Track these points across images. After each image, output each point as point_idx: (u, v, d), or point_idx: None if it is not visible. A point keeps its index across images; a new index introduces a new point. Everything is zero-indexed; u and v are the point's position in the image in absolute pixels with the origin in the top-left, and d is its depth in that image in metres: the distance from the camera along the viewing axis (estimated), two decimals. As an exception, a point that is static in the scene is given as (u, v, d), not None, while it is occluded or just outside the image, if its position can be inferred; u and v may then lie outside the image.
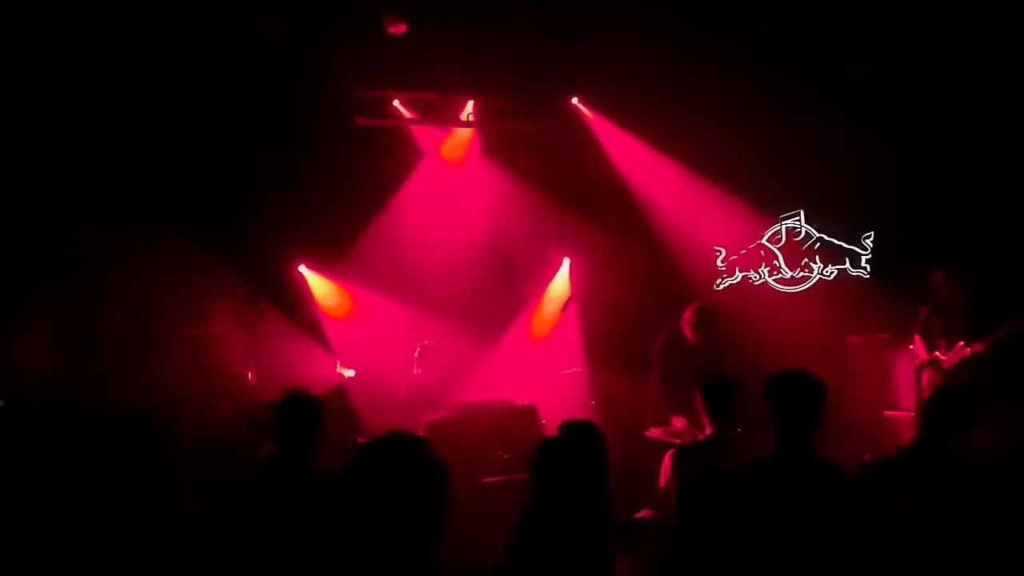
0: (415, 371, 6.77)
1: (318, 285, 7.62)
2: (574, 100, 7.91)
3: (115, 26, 6.11)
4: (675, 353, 6.14)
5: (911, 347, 6.57)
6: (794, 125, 7.26)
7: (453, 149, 7.96)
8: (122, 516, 3.32)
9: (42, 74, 6.08)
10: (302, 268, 7.55)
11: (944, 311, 6.33)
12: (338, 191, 7.34)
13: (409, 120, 7.78)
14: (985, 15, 6.53)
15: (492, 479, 5.45)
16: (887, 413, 6.81)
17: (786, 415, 3.17)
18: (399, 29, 6.87)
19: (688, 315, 6.17)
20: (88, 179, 6.23)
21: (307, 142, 7.29)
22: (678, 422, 5.82)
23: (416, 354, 6.79)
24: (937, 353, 6.30)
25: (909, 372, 6.62)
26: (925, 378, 6.32)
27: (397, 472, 2.38)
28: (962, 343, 6.18)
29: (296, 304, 7.39)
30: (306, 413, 3.63)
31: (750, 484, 3.17)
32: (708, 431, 4.15)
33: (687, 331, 6.16)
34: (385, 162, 7.61)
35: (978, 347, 6.11)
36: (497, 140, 7.90)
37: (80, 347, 6.00)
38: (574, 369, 7.50)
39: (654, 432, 5.90)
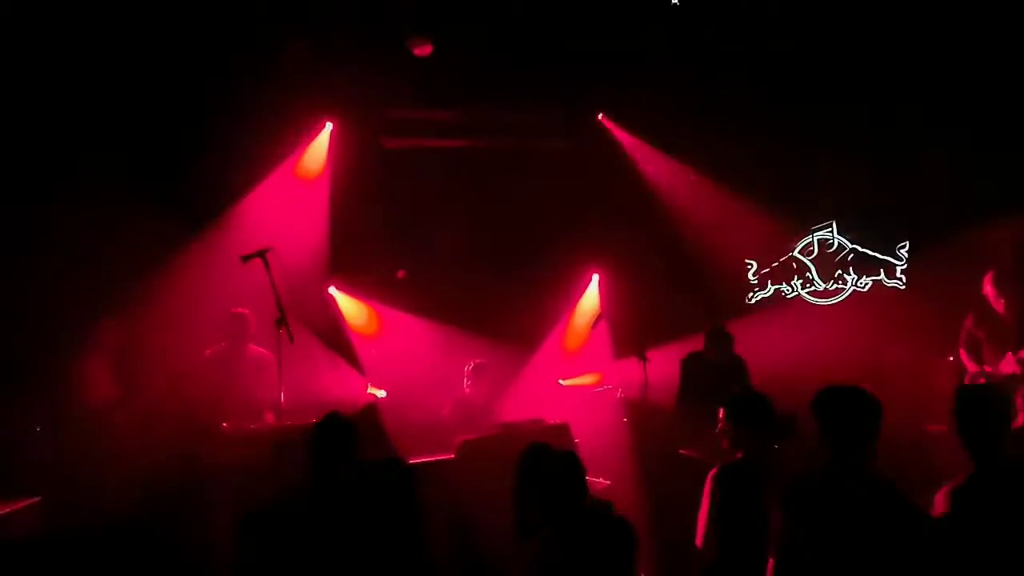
0: (466, 388, 6.76)
1: (348, 306, 7.64)
2: (600, 116, 7.90)
3: (134, 50, 6.24)
4: (696, 371, 6.25)
5: (951, 359, 6.41)
6: (823, 135, 7.19)
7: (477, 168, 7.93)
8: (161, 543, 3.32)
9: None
10: (332, 289, 7.59)
11: (990, 320, 6.10)
12: (367, 211, 7.38)
13: (436, 140, 7.80)
14: (1011, 21, 6.44)
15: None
16: (929, 427, 6.66)
17: (845, 430, 3.12)
18: (425, 51, 6.92)
19: (705, 334, 6.26)
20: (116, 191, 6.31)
21: (335, 163, 7.35)
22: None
23: (469, 371, 6.78)
24: (987, 367, 6.04)
25: (949, 384, 6.47)
26: None
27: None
28: (1010, 354, 5.91)
29: (326, 325, 7.42)
30: (341, 436, 3.62)
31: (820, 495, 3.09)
32: (741, 448, 4.03)
33: (706, 349, 6.25)
34: (411, 183, 7.63)
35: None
36: (524, 157, 7.90)
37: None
38: (607, 387, 7.44)
39: (687, 451, 5.85)
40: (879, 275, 7.62)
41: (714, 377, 6.07)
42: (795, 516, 3.04)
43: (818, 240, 7.76)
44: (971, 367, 6.16)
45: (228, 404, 5.83)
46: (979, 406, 3.24)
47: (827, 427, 3.14)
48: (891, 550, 2.94)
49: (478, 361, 6.79)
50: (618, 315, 7.85)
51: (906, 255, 7.54)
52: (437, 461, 5.41)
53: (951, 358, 6.42)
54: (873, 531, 2.97)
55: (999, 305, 6.07)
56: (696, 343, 6.44)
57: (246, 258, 5.56)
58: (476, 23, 6.75)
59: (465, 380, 6.75)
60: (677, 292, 7.55)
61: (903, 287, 7.54)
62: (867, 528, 2.97)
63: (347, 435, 3.63)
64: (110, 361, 6.07)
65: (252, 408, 5.87)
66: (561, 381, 7.59)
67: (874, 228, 7.62)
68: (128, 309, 6.27)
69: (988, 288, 6.11)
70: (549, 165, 7.77)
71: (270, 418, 5.77)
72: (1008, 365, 5.92)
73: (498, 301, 7.49)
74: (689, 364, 6.33)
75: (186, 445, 5.19)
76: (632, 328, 7.55)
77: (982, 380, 6.02)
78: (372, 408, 6.76)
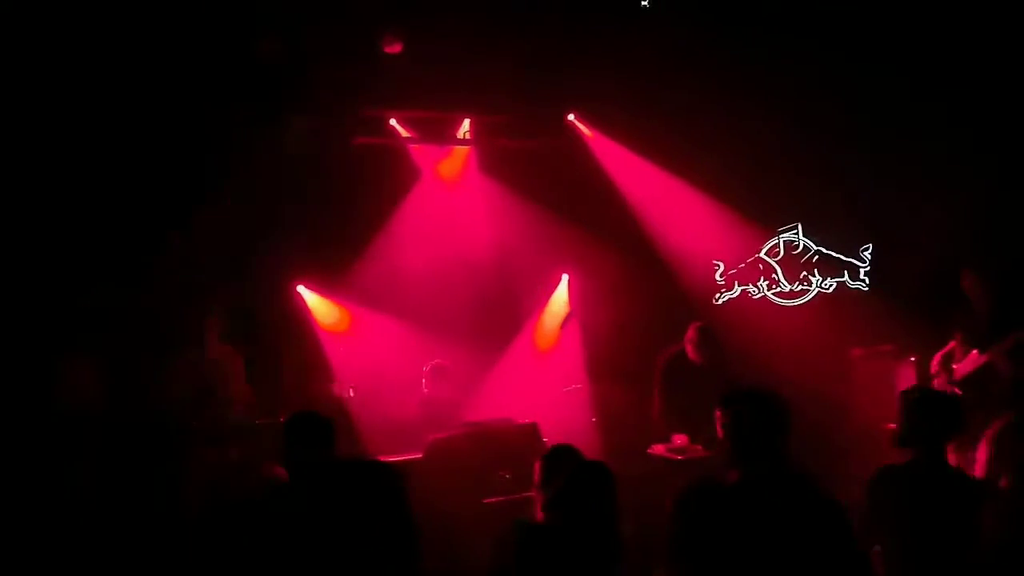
0: (424, 389, 6.74)
1: (316, 304, 7.59)
2: (571, 117, 7.93)
3: (117, 46, 6.13)
4: (677, 371, 6.10)
5: (913, 359, 6.52)
6: (791, 137, 7.29)
7: (450, 168, 7.97)
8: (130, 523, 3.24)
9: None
10: (300, 288, 7.53)
11: (969, 316, 5.98)
12: (336, 210, 7.35)
13: (407, 139, 7.79)
14: (984, 20, 6.57)
15: (494, 499, 5.41)
16: (891, 426, 6.77)
17: (758, 432, 3.07)
18: (395, 48, 6.90)
19: (690, 334, 6.11)
20: (90, 198, 6.20)
21: (306, 161, 7.30)
22: (679, 439, 5.82)
23: (427, 372, 6.77)
24: (955, 365, 5.95)
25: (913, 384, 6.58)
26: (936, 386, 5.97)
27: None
28: (976, 352, 5.84)
29: (294, 324, 7.37)
30: (318, 433, 3.55)
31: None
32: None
33: (689, 349, 6.11)
34: (383, 181, 7.61)
35: (991, 355, 5.75)
36: (495, 157, 7.91)
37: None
38: (576, 386, 7.48)
39: (656, 449, 5.90)
40: (843, 276, 7.75)
41: (700, 379, 5.90)
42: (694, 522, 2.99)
43: (784, 242, 7.87)
44: (933, 369, 6.12)
45: (198, 403, 5.79)
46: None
47: (741, 426, 3.09)
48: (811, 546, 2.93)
49: (436, 362, 6.79)
50: (587, 315, 7.89)
51: (869, 257, 7.67)
52: (405, 460, 5.41)
53: (912, 359, 6.54)
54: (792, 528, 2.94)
55: (975, 299, 5.98)
56: (664, 340, 6.43)
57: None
58: (447, 21, 6.75)
59: (423, 380, 6.74)
60: (647, 291, 7.60)
61: (866, 288, 7.67)
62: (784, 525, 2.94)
63: (324, 432, 3.57)
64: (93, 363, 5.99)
65: (223, 406, 5.83)
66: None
67: (838, 230, 7.75)
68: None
69: (965, 282, 6.01)
70: (519, 164, 7.79)
71: (239, 413, 5.74)
72: (971, 363, 5.86)
73: (468, 300, 7.49)
74: (670, 366, 6.15)
75: (160, 443, 5.12)
76: (600, 329, 7.60)
77: (944, 376, 5.99)
78: (341, 408, 6.73)
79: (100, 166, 6.28)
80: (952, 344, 6.08)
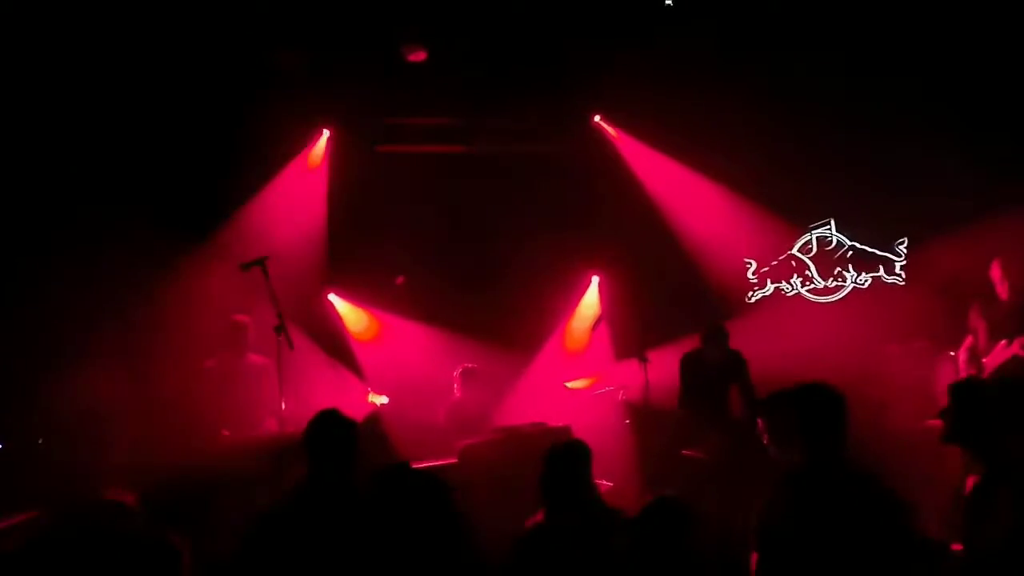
0: (456, 393, 6.75)
1: (348, 312, 7.63)
2: (596, 118, 7.90)
3: (136, 51, 6.24)
4: (694, 371, 6.25)
5: (952, 354, 6.38)
6: (820, 132, 7.19)
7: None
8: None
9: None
10: (331, 296, 7.58)
11: (993, 308, 5.90)
12: (363, 218, 7.39)
13: (428, 146, 7.81)
14: (1002, 18, 6.45)
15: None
16: (930, 423, 6.65)
17: (816, 426, 3.15)
18: (419, 56, 6.93)
19: (703, 332, 6.27)
20: (114, 199, 6.30)
21: (332, 169, 7.37)
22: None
23: (457, 376, 6.77)
24: (984, 359, 5.88)
25: (952, 379, 6.44)
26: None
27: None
28: (1004, 341, 5.75)
29: (326, 332, 7.41)
30: (338, 431, 3.48)
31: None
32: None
33: (703, 348, 6.26)
34: (408, 188, 7.63)
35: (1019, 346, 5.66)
36: (522, 160, 7.90)
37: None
38: (608, 388, 7.43)
39: (690, 451, 5.87)
40: (878, 271, 7.62)
41: (713, 375, 6.11)
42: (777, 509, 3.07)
43: (816, 238, 7.76)
44: (962, 365, 6.01)
45: (229, 413, 5.83)
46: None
47: (798, 422, 3.18)
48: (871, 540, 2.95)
49: (466, 366, 6.80)
50: (618, 317, 7.84)
51: (905, 251, 7.54)
52: (439, 466, 5.40)
53: (952, 353, 6.40)
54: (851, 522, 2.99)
55: (1003, 291, 5.90)
56: (697, 342, 6.43)
57: (245, 266, 5.58)
58: (471, 27, 6.76)
59: (454, 385, 6.75)
60: (677, 292, 7.55)
61: (903, 283, 7.53)
62: (846, 520, 2.99)
63: (344, 430, 3.49)
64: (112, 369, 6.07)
65: (254, 416, 5.87)
66: (567, 384, 7.56)
67: (872, 225, 7.62)
68: (127, 318, 6.27)
69: (995, 272, 5.93)
70: (547, 168, 7.77)
71: (272, 425, 5.77)
72: (1000, 354, 5.77)
73: (498, 305, 7.48)
74: (687, 364, 6.33)
75: (188, 454, 5.18)
76: (632, 329, 7.55)
77: (973, 373, 5.86)
78: (375, 417, 6.75)
79: (114, 174, 6.38)
80: (970, 339, 6.00)
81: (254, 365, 6.13)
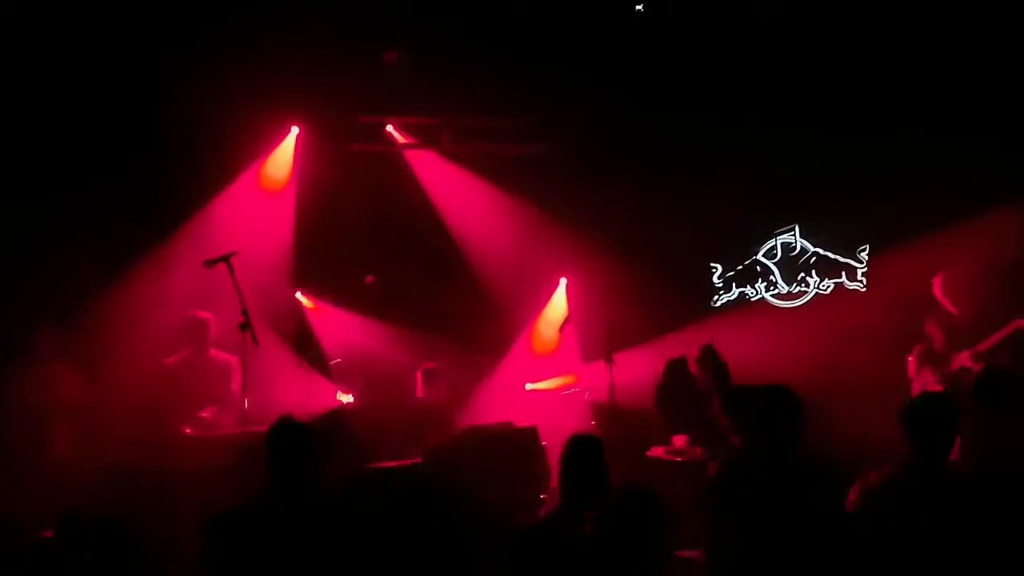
0: (419, 394, 6.73)
1: (314, 311, 7.59)
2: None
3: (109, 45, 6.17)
4: (680, 382, 6.27)
5: (911, 358, 6.51)
6: (787, 138, 7.29)
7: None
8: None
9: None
10: (298, 294, 7.53)
11: (944, 323, 6.20)
12: (333, 217, 7.35)
13: (404, 145, 7.79)
14: (975, 19, 6.59)
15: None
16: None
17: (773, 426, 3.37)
18: (391, 55, 6.92)
19: (699, 358, 6.21)
20: (80, 199, 6.21)
21: (301, 168, 7.31)
22: (679, 441, 5.84)
23: (420, 376, 6.76)
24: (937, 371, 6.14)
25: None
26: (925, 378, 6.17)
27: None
28: (967, 352, 6.06)
29: (293, 331, 7.36)
30: (295, 441, 3.50)
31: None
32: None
33: (691, 364, 6.25)
34: (380, 187, 7.61)
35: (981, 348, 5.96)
36: (492, 161, 7.90)
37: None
38: (575, 389, 7.46)
39: (656, 451, 5.91)
40: (841, 277, 7.74)
41: (696, 394, 6.08)
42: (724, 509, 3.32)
43: (781, 243, 7.86)
44: (912, 374, 6.25)
45: (191, 410, 5.76)
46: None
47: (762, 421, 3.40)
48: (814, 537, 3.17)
49: (427, 365, 6.80)
50: (585, 319, 7.87)
51: (866, 258, 7.67)
52: (404, 466, 5.40)
53: (910, 358, 6.53)
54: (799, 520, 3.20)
55: (951, 307, 6.20)
56: (664, 347, 6.47)
57: (210, 263, 5.53)
58: (447, 26, 6.77)
59: (416, 385, 6.74)
60: (644, 295, 7.59)
61: (864, 289, 7.66)
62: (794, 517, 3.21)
63: (301, 440, 3.50)
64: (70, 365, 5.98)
65: (214, 413, 5.81)
66: (528, 385, 7.59)
67: (835, 231, 7.74)
68: (82, 315, 6.18)
69: (936, 288, 6.25)
70: (515, 169, 7.79)
71: (235, 423, 5.72)
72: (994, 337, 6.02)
73: (466, 306, 7.49)
74: (675, 371, 6.36)
75: (148, 450, 5.12)
76: (599, 332, 7.58)
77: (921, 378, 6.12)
78: (340, 414, 6.71)
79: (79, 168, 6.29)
80: (921, 345, 6.24)
81: (217, 362, 6.07)
